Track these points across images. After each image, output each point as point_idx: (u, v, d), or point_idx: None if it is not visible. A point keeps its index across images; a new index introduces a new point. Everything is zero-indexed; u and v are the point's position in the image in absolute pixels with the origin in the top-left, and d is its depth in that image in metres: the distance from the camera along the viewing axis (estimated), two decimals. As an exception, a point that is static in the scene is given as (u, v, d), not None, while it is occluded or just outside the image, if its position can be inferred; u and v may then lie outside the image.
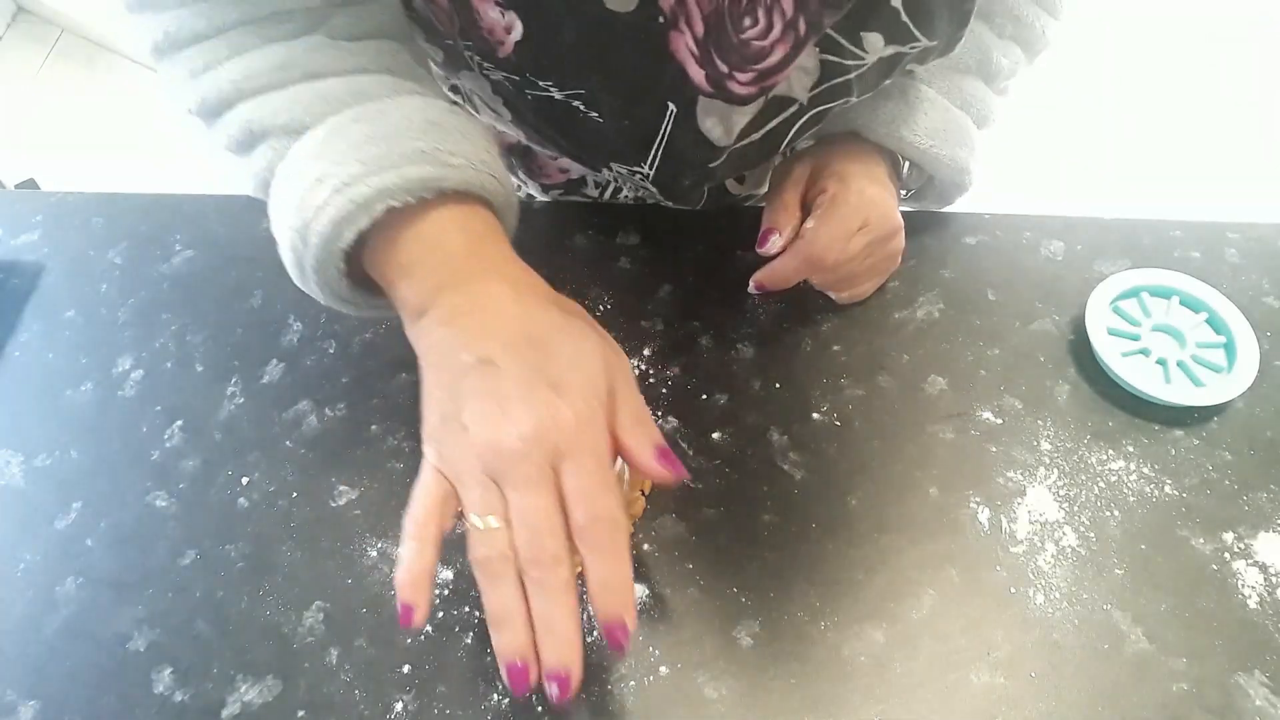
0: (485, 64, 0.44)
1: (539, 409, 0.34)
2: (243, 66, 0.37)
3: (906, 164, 0.53)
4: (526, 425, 0.33)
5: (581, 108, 0.42)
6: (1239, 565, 0.43)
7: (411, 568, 0.34)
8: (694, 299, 0.53)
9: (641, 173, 0.46)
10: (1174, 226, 0.56)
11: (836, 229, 0.47)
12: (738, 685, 0.40)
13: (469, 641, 0.41)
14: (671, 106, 0.40)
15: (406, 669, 0.41)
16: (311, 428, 0.49)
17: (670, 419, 0.48)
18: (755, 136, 0.43)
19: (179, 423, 0.49)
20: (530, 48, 0.39)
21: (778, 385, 0.50)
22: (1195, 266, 0.53)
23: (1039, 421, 0.48)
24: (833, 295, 0.52)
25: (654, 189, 0.48)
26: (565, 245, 0.56)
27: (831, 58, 0.39)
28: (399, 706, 0.40)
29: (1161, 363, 0.49)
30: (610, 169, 0.47)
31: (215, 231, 0.58)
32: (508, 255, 0.39)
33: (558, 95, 0.42)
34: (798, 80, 0.41)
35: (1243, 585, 0.42)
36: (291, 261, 0.38)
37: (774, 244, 0.48)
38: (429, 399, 0.37)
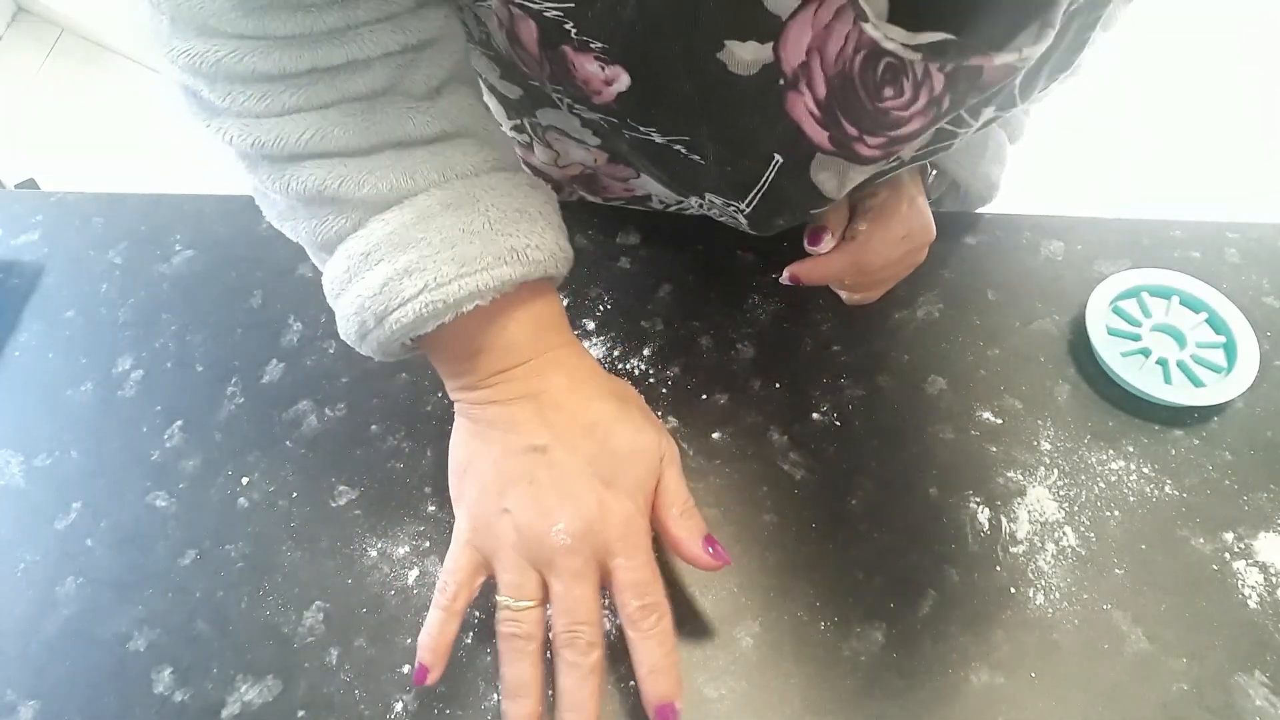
0: (578, 105, 0.43)
1: (588, 507, 0.36)
2: (318, 124, 0.34)
3: (933, 172, 0.53)
4: (575, 523, 0.36)
5: (683, 151, 0.42)
6: (1239, 565, 0.43)
7: (437, 636, 0.37)
8: (694, 299, 0.53)
9: (737, 206, 0.46)
10: (1174, 226, 0.56)
11: (887, 235, 0.47)
12: (738, 685, 0.40)
13: (469, 641, 0.41)
14: (778, 158, 0.40)
15: (406, 669, 0.41)
16: (311, 428, 0.49)
17: (670, 419, 0.48)
18: (850, 187, 0.43)
19: (179, 423, 0.49)
20: (635, 100, 0.38)
21: (778, 385, 0.50)
22: (1195, 266, 0.53)
23: (1039, 421, 0.48)
24: (843, 295, 0.52)
25: (745, 221, 0.48)
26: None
27: (948, 126, 0.38)
28: (399, 706, 0.40)
29: (1161, 363, 0.49)
30: (704, 198, 0.47)
31: (215, 231, 0.58)
32: (568, 341, 0.41)
33: (659, 139, 0.41)
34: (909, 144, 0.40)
35: (1243, 585, 0.42)
36: (354, 329, 0.38)
37: (827, 243, 0.47)
38: (467, 467, 0.39)
